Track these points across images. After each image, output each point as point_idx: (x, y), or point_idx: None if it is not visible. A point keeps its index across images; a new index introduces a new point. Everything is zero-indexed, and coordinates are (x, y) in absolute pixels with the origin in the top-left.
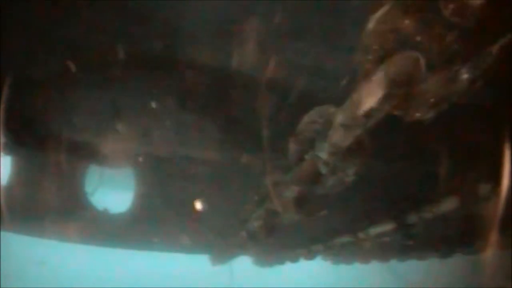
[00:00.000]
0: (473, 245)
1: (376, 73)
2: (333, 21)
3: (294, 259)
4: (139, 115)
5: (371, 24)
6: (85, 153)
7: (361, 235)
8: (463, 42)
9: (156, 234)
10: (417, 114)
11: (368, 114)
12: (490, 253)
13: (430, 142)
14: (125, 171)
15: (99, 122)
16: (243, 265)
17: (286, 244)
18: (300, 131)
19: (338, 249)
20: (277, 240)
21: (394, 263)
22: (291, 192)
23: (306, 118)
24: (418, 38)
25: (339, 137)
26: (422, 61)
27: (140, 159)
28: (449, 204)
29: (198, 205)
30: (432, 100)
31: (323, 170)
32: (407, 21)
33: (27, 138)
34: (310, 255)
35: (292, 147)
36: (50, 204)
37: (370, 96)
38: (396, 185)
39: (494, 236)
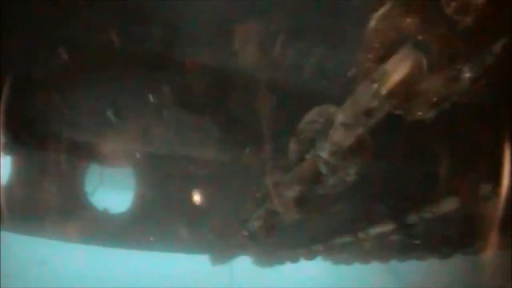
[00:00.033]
0: (473, 245)
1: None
2: (333, 21)
3: (294, 259)
4: (139, 115)
5: (372, 23)
6: (85, 153)
7: (361, 235)
8: (464, 41)
9: (156, 234)
10: (418, 113)
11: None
12: (490, 253)
13: (430, 142)
14: (125, 171)
15: (99, 122)
16: (243, 265)
17: (286, 244)
18: (300, 131)
19: (338, 249)
20: (277, 240)
21: (394, 263)
22: (292, 192)
23: (306, 118)
24: (420, 37)
25: (339, 137)
26: (423, 60)
27: (140, 159)
28: (449, 204)
29: (198, 205)
30: (433, 99)
31: (324, 169)
32: (408, 20)
33: (27, 138)
34: (310, 255)
35: (293, 147)
36: (50, 204)
37: (395, 73)
38: (396, 185)
39: (494, 236)
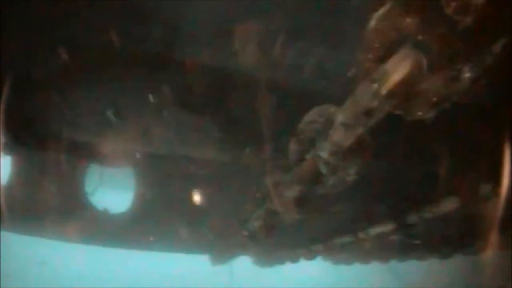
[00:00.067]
0: (473, 245)
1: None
2: (333, 21)
3: (294, 259)
4: (139, 115)
5: (372, 23)
6: (85, 153)
7: (361, 235)
8: (464, 41)
9: (156, 234)
10: (418, 113)
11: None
12: (490, 253)
13: (430, 142)
14: (125, 171)
15: (99, 122)
16: (243, 265)
17: (286, 244)
18: (300, 131)
19: (338, 249)
20: (277, 240)
21: (394, 263)
22: (292, 192)
23: (306, 118)
24: (420, 37)
25: (339, 137)
26: (423, 60)
27: (140, 159)
28: (449, 204)
29: (198, 205)
30: (433, 99)
31: (324, 169)
32: (408, 20)
33: (27, 138)
34: (310, 255)
35: (293, 147)
36: (50, 204)
37: (395, 73)
38: (396, 185)
39: (494, 236)
